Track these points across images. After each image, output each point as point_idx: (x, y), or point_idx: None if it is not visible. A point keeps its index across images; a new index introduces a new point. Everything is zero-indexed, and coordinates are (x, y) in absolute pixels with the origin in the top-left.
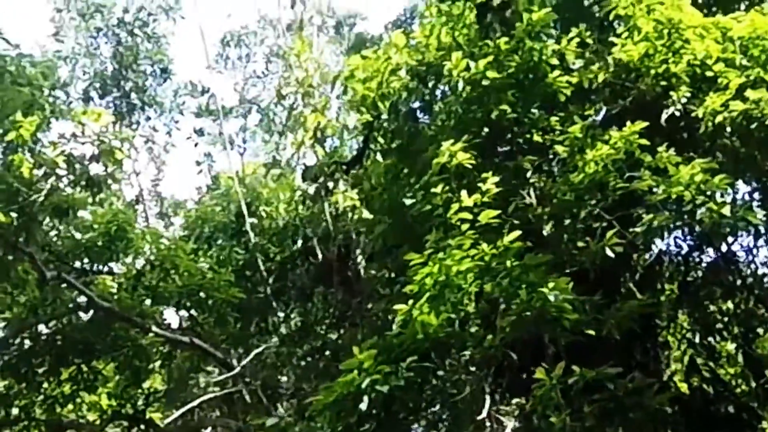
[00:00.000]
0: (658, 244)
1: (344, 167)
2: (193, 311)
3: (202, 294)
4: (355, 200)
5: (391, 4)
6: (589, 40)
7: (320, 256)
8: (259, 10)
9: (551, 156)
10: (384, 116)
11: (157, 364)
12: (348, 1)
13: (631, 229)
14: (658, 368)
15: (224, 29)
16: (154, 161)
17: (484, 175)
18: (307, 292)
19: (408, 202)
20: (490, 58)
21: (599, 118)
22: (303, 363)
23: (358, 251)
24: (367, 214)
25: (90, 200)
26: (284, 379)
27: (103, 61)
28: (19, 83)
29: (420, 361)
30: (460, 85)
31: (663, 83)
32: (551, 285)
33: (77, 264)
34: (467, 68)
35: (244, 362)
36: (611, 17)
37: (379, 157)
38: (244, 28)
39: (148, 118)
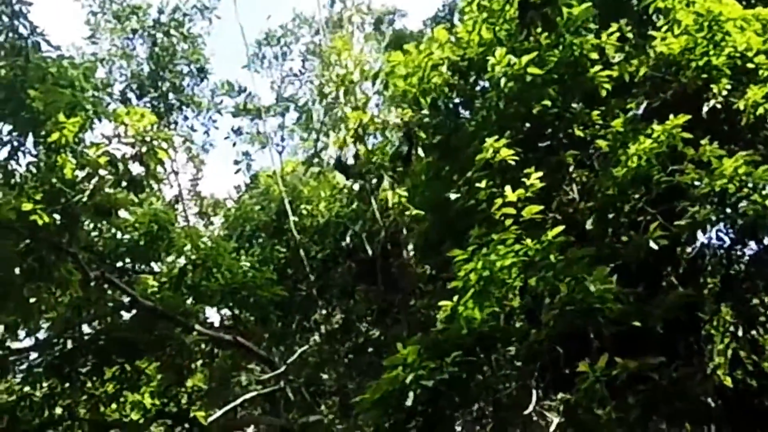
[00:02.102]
0: (701, 238)
1: (392, 164)
2: (235, 310)
3: (244, 292)
4: (403, 196)
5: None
6: (629, 34)
7: (362, 253)
8: (294, 8)
9: (593, 150)
10: (425, 111)
11: (199, 362)
12: None
13: (675, 223)
14: (701, 361)
15: (260, 28)
16: (192, 161)
17: (526, 170)
18: (349, 289)
19: (451, 197)
20: (533, 54)
21: (640, 111)
22: (345, 360)
23: (401, 248)
24: (413, 210)
25: (132, 200)
26: (326, 376)
27: (139, 62)
28: (61, 85)
29: (465, 356)
30: (503, 81)
31: (704, 76)
32: (592, 276)
33: (119, 264)
34: (509, 64)
35: (289, 360)
36: (651, 11)
37: (420, 152)
38: (283, 27)
39: (186, 118)
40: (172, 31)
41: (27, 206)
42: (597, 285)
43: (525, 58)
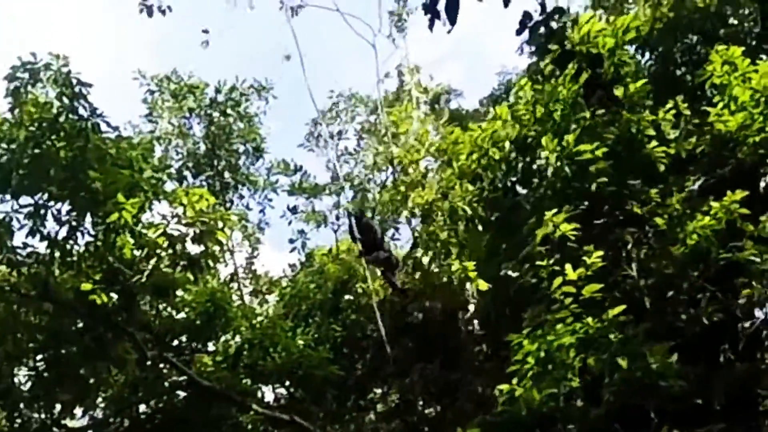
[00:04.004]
0: (758, 313)
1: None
2: (291, 388)
3: (300, 372)
4: (470, 270)
5: (485, 79)
6: (685, 111)
7: (418, 331)
8: (350, 87)
9: (650, 228)
10: (485, 187)
11: None
12: (443, 78)
13: (736, 301)
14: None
15: (318, 106)
16: (248, 239)
17: (586, 247)
18: (406, 367)
19: (510, 275)
20: (595, 144)
21: (696, 187)
22: None
23: (458, 325)
24: (483, 284)
25: (189, 279)
26: None
27: (195, 141)
28: (120, 165)
29: None
30: (556, 161)
31: (760, 151)
32: (652, 352)
33: (175, 342)
34: (561, 145)
35: None
36: (706, 86)
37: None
38: (336, 106)
39: (242, 197)
40: (229, 111)
41: (86, 286)
42: (658, 361)
43: (585, 147)
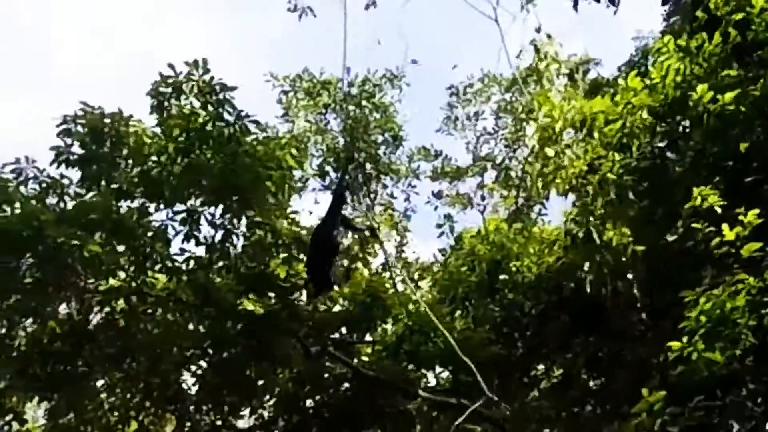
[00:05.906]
0: None
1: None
2: (454, 372)
3: (461, 354)
4: (628, 237)
5: (622, 46)
6: None
7: (576, 305)
8: (482, 68)
9: None
10: (632, 156)
11: (419, 428)
12: (574, 48)
13: None
14: None
15: (448, 84)
16: (395, 228)
17: (737, 210)
18: (566, 342)
19: (668, 239)
20: (737, 91)
21: None
22: (567, 414)
23: (616, 296)
24: (639, 249)
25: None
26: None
27: (334, 136)
28: (269, 167)
29: (706, 400)
30: (705, 117)
31: None
32: None
33: (335, 335)
34: (713, 100)
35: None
36: None
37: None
38: (470, 87)
39: (385, 186)
40: (364, 102)
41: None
42: None
43: (729, 94)
